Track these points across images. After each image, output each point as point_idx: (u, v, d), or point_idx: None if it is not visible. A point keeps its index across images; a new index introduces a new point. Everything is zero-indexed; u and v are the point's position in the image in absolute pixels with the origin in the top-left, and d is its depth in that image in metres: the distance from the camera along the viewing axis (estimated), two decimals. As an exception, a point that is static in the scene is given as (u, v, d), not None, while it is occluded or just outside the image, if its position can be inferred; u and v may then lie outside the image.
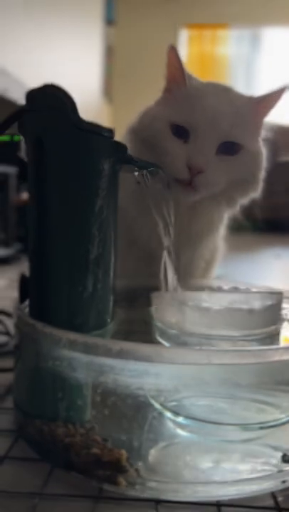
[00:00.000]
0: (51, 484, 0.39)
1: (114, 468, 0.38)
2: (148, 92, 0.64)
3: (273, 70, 4.26)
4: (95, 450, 0.39)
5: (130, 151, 0.44)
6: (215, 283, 0.63)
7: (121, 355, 0.36)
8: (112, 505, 0.37)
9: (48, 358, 0.39)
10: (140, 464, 0.38)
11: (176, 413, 0.44)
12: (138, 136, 0.58)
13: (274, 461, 0.40)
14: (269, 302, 0.47)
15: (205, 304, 0.48)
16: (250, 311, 0.47)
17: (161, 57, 0.60)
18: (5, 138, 0.96)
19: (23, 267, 0.51)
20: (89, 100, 3.19)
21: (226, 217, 0.66)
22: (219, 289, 0.59)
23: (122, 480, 0.38)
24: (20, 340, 0.45)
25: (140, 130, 0.59)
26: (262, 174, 0.60)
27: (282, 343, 0.46)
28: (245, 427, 0.43)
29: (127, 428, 0.38)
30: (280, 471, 0.39)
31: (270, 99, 0.58)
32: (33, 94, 0.40)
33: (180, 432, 0.44)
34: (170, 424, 0.44)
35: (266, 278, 1.62)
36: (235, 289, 0.49)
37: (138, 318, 0.53)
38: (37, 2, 1.95)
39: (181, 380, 0.36)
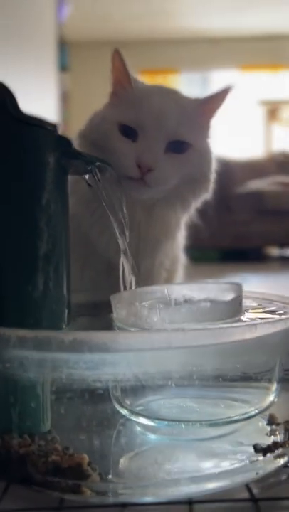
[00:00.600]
0: (6, 502, 0.35)
1: (76, 475, 0.35)
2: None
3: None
4: (54, 457, 0.36)
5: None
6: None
7: (74, 346, 0.33)
8: (75, 515, 0.33)
9: (-3, 361, 0.36)
10: (108, 471, 0.35)
11: (145, 416, 0.41)
12: (87, 139, 0.58)
13: (246, 454, 0.38)
14: (229, 294, 0.46)
15: (165, 299, 0.46)
16: (212, 304, 0.45)
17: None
18: None
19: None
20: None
21: (183, 222, 0.66)
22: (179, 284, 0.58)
23: (85, 489, 0.35)
24: None
25: (89, 133, 0.59)
26: (212, 174, 0.61)
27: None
28: (215, 422, 0.41)
29: (86, 427, 0.36)
30: (253, 461, 0.37)
31: (215, 100, 0.60)
32: (-29, 90, 0.39)
33: (149, 435, 0.41)
34: (139, 429, 0.42)
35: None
36: (194, 284, 0.48)
37: (99, 324, 0.51)
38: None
39: (141, 367, 0.34)
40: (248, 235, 3.01)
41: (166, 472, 0.36)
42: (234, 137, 3.93)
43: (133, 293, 0.48)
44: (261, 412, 0.43)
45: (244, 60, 4.39)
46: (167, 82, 4.54)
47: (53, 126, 0.41)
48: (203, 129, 0.61)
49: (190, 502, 0.34)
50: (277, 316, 0.46)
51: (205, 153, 0.60)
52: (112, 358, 0.33)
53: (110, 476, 0.35)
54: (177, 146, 0.56)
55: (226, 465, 0.37)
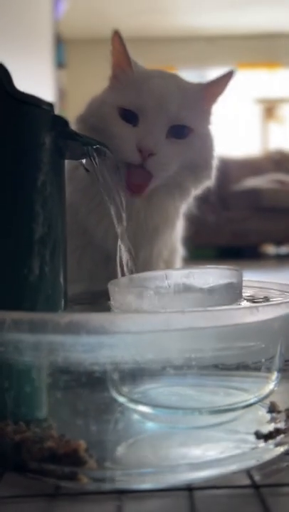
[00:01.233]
0: (1, 489, 0.34)
1: (72, 461, 0.34)
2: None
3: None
4: (50, 443, 0.35)
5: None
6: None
7: (71, 328, 0.32)
8: (71, 502, 0.32)
9: (-9, 345, 0.35)
10: (105, 457, 0.34)
11: (143, 403, 0.40)
12: (86, 123, 0.57)
13: (246, 441, 0.37)
14: (229, 280, 0.45)
15: (164, 285, 0.45)
16: (210, 290, 0.44)
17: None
18: None
19: None
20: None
21: (182, 212, 0.65)
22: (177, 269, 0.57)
23: (81, 476, 0.34)
24: None
25: (88, 117, 0.57)
26: (214, 160, 0.60)
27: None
28: (213, 410, 0.40)
29: (83, 411, 0.35)
30: (254, 448, 0.36)
31: (217, 85, 0.58)
32: None
33: (148, 423, 0.40)
34: (137, 417, 0.41)
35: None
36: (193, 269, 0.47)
37: (97, 310, 0.50)
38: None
39: (139, 350, 0.33)
40: (245, 233, 3.01)
41: (165, 459, 0.36)
42: (231, 135, 3.93)
43: (131, 279, 0.47)
44: (261, 400, 0.42)
45: (241, 58, 4.38)
46: (164, 80, 4.53)
47: (49, 106, 0.40)
48: (205, 114, 0.60)
49: (190, 489, 0.33)
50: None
51: (206, 138, 0.59)
52: (109, 341, 0.33)
53: (108, 463, 0.34)
54: (178, 131, 0.55)
55: (226, 452, 0.36)
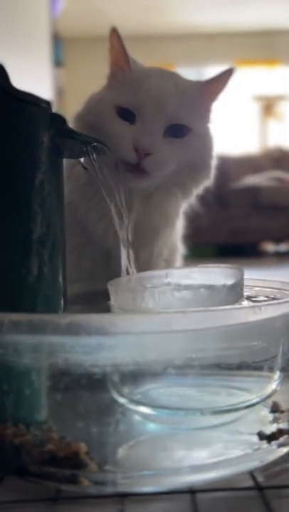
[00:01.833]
0: (1, 493, 0.34)
1: (73, 464, 0.33)
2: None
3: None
4: (50, 446, 0.34)
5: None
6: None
7: (71, 329, 0.32)
8: (72, 506, 0.32)
9: (-10, 347, 0.35)
10: (106, 460, 0.34)
11: (145, 404, 0.40)
12: (84, 121, 0.56)
13: (249, 442, 0.37)
14: (230, 279, 0.45)
15: (164, 285, 0.45)
16: (212, 289, 0.44)
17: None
18: None
19: None
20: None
21: (182, 211, 0.65)
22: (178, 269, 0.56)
23: (82, 479, 0.33)
24: None
25: (86, 115, 0.57)
26: (213, 160, 0.59)
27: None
28: (215, 410, 0.39)
29: (83, 413, 0.34)
30: (257, 449, 0.36)
31: (216, 83, 0.57)
32: None
33: (149, 424, 0.40)
34: (138, 418, 0.41)
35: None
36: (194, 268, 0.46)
37: (96, 310, 0.50)
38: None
39: (140, 351, 0.33)
40: (244, 231, 3.00)
41: (167, 461, 0.35)
42: (230, 132, 3.92)
43: (132, 278, 0.47)
44: (263, 400, 0.42)
45: (239, 55, 4.37)
46: (162, 77, 4.52)
47: (46, 104, 0.39)
48: (204, 112, 0.59)
49: (192, 491, 0.33)
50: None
51: (205, 138, 0.58)
52: (110, 342, 0.32)
53: (109, 466, 0.34)
54: (176, 130, 0.54)
55: (228, 453, 0.36)
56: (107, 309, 0.46)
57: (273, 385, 0.43)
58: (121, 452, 0.36)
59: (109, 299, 0.47)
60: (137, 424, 0.40)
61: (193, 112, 0.55)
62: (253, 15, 4.06)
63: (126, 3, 3.80)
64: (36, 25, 3.07)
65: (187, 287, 0.44)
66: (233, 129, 4.05)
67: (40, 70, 3.20)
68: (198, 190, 0.60)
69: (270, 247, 3.39)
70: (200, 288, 0.44)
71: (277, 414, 0.41)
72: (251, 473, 0.34)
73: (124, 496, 0.32)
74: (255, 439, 0.37)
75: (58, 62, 3.54)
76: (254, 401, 0.41)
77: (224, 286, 0.44)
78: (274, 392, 0.42)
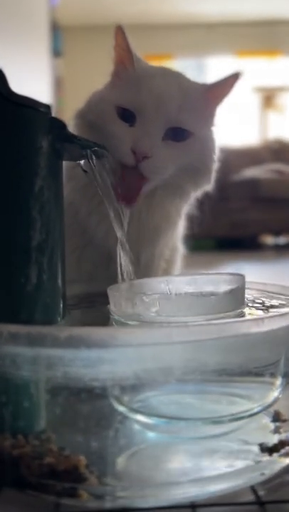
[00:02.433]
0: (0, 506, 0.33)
1: (72, 478, 0.33)
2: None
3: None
4: (49, 459, 0.34)
5: (78, 136, 0.41)
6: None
7: (70, 342, 0.31)
8: (71, 521, 0.32)
9: (-12, 358, 0.34)
10: (106, 473, 0.33)
11: (144, 413, 0.39)
12: (85, 119, 0.55)
13: (250, 453, 0.37)
14: (231, 285, 0.44)
15: (164, 291, 0.44)
16: (213, 296, 0.43)
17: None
18: None
19: None
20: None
21: (184, 212, 0.64)
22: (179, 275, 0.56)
23: (82, 492, 0.33)
24: None
25: (87, 113, 0.55)
26: (214, 165, 0.58)
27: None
28: (216, 420, 0.39)
29: (83, 428, 0.34)
30: (258, 462, 0.35)
31: (222, 86, 0.56)
32: None
33: (149, 433, 0.39)
34: (137, 427, 0.40)
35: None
36: (195, 275, 0.46)
37: (96, 316, 0.49)
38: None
39: (141, 365, 0.32)
40: (244, 223, 2.99)
41: (167, 473, 0.35)
42: (229, 124, 3.89)
43: (131, 285, 0.46)
44: (265, 408, 0.41)
45: (240, 46, 4.33)
46: (162, 68, 4.47)
47: (46, 108, 0.38)
48: (208, 116, 0.57)
49: (193, 506, 0.32)
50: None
51: (207, 142, 0.57)
52: (110, 356, 0.31)
53: (108, 478, 0.34)
54: (177, 134, 0.53)
55: (229, 465, 0.35)
56: (106, 314, 0.46)
57: (275, 393, 0.42)
58: (120, 463, 0.36)
59: (109, 303, 0.46)
60: (137, 434, 0.39)
61: (195, 116, 0.54)
62: (254, 5, 4.01)
63: (126, -9, 3.75)
64: (35, 14, 3.03)
65: (188, 294, 0.44)
66: (233, 121, 4.02)
67: (38, 59, 3.16)
68: (196, 193, 0.60)
69: (269, 239, 3.38)
70: (201, 295, 0.43)
71: (278, 424, 0.40)
72: (252, 487, 0.34)
73: (124, 511, 0.32)
74: (256, 449, 0.37)
75: (56, 52, 3.50)
76: (256, 410, 0.41)
77: (225, 293, 0.44)
78: (276, 399, 0.42)
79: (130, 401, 0.41)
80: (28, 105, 0.37)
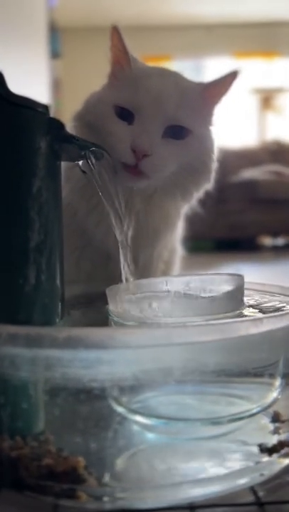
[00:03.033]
0: (-2, 508, 0.33)
1: (71, 479, 0.33)
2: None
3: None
4: (47, 461, 0.33)
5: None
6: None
7: (69, 343, 0.31)
8: (70, 522, 0.31)
9: (-14, 359, 0.34)
10: (105, 474, 0.33)
11: (143, 414, 0.39)
12: (83, 120, 0.55)
13: (249, 454, 0.36)
14: (230, 286, 0.44)
15: (164, 292, 0.44)
16: (212, 297, 0.43)
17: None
18: None
19: None
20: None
21: (183, 213, 0.64)
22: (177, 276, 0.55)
23: (81, 493, 0.33)
24: None
25: (85, 114, 0.55)
26: (214, 164, 0.58)
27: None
28: (215, 420, 0.39)
29: (82, 429, 0.34)
30: (258, 462, 0.35)
31: (220, 85, 0.56)
32: None
33: (148, 434, 0.39)
34: (136, 428, 0.40)
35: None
36: (194, 275, 0.46)
37: (95, 317, 0.49)
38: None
39: (140, 366, 0.32)
40: (242, 225, 3.00)
41: (166, 474, 0.35)
42: (228, 125, 3.89)
43: (130, 285, 0.46)
44: (264, 409, 0.41)
45: (238, 48, 4.33)
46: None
47: (44, 108, 0.38)
48: (206, 115, 0.57)
49: (192, 507, 0.32)
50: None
51: (206, 141, 0.56)
52: (109, 357, 0.31)
53: (107, 479, 0.34)
54: (176, 132, 0.53)
55: (228, 466, 0.35)
56: (105, 315, 0.46)
57: (275, 393, 0.42)
58: (119, 464, 0.36)
59: (107, 303, 0.46)
60: (136, 435, 0.39)
61: (193, 114, 0.54)
62: (252, 6, 4.01)
63: (124, -7, 3.75)
64: (33, 15, 3.03)
65: (187, 295, 0.44)
66: (231, 122, 4.02)
67: (37, 61, 3.16)
68: (198, 193, 0.59)
69: (267, 241, 3.38)
70: (200, 296, 0.43)
71: (277, 424, 0.40)
72: (252, 488, 0.34)
73: (123, 512, 0.32)
74: (255, 449, 0.37)
75: (55, 53, 3.50)
76: (255, 411, 0.40)
77: (224, 293, 0.44)
78: (275, 400, 0.42)
79: (129, 402, 0.41)
80: (26, 106, 0.37)
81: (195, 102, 0.54)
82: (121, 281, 0.48)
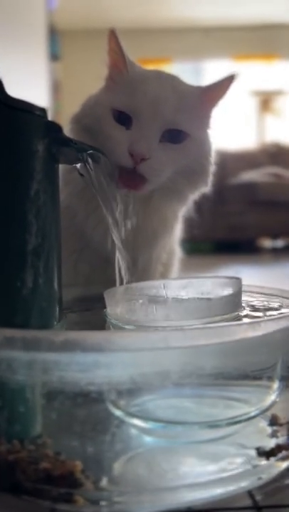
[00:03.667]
0: (-5, 512, 0.33)
1: (68, 483, 0.33)
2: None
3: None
4: (45, 464, 0.33)
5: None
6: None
7: (66, 346, 0.31)
8: (67, 527, 0.31)
9: (-17, 362, 0.34)
10: (103, 478, 0.33)
11: (141, 418, 0.39)
12: (80, 124, 0.55)
13: (247, 458, 0.36)
14: (228, 289, 0.44)
15: (161, 295, 0.44)
16: (209, 299, 0.43)
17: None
18: None
19: None
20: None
21: (181, 215, 0.64)
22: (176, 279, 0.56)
23: (78, 497, 0.33)
24: None
25: (82, 117, 0.56)
26: (211, 167, 0.58)
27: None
28: (213, 424, 0.39)
29: (79, 432, 0.33)
30: (255, 466, 0.35)
31: (217, 89, 0.56)
32: None
33: (145, 438, 0.39)
34: (134, 432, 0.40)
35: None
36: (192, 278, 0.46)
37: (93, 320, 0.49)
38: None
39: (138, 369, 0.32)
40: (242, 227, 3.00)
41: (164, 478, 0.35)
42: (227, 128, 3.90)
43: (128, 288, 0.46)
44: (262, 412, 0.41)
45: (237, 50, 4.34)
46: (160, 71, 4.48)
47: (41, 111, 0.38)
48: (203, 118, 0.57)
49: (190, 511, 0.32)
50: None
51: (204, 144, 0.57)
52: (106, 360, 0.31)
53: (104, 483, 0.33)
54: (173, 136, 0.53)
55: (226, 470, 0.35)
56: (102, 318, 0.46)
57: (273, 396, 0.42)
58: (117, 468, 0.36)
59: (105, 306, 0.46)
60: (133, 438, 0.39)
61: (191, 118, 0.54)
62: (251, 9, 4.03)
63: (123, -4, 3.76)
64: (32, 18, 3.04)
65: (184, 298, 0.44)
66: (231, 124, 4.03)
67: (36, 63, 3.16)
68: (194, 196, 0.60)
69: (267, 243, 3.38)
70: (198, 299, 0.43)
71: (275, 427, 0.40)
72: (249, 492, 0.34)
73: (120, 516, 0.32)
74: (253, 453, 0.37)
75: (54, 56, 3.51)
76: (253, 414, 0.40)
77: (222, 296, 0.44)
78: (273, 403, 0.42)
79: (127, 405, 0.41)
80: (24, 109, 0.37)
81: (192, 106, 0.55)
82: (118, 283, 0.48)
